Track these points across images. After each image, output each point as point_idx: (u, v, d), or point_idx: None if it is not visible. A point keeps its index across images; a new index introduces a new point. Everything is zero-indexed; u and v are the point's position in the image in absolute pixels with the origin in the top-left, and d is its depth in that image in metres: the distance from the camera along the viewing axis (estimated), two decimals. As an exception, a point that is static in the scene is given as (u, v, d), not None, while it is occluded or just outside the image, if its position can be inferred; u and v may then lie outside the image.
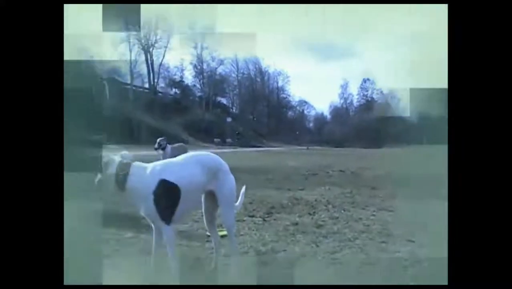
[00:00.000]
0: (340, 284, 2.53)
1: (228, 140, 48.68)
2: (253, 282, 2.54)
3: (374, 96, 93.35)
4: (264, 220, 4.41)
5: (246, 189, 2.81)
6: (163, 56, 51.87)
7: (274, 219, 4.48)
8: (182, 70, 56.51)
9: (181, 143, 8.47)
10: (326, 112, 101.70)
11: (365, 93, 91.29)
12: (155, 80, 50.61)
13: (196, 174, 2.58)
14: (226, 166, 2.70)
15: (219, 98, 69.92)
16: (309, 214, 4.84)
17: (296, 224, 4.22)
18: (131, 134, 35.17)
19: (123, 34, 46.42)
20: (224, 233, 3.60)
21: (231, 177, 2.68)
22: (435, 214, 2.57)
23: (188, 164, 2.64)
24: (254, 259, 3.01)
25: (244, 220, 4.33)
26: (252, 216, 4.56)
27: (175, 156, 7.44)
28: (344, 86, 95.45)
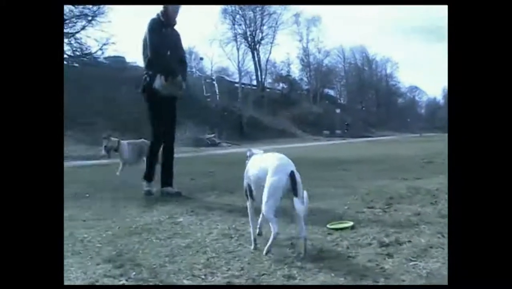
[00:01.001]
0: (340, 284, 2.41)
1: (338, 131, 48.22)
2: (380, 274, 2.50)
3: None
4: (384, 211, 4.31)
5: (308, 194, 2.91)
6: (270, 52, 52.52)
7: (395, 210, 4.36)
8: (289, 64, 56.85)
9: (141, 139, 7.82)
10: (439, 96, 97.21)
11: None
12: (263, 76, 51.35)
13: (255, 171, 3.13)
14: (273, 167, 2.95)
15: (326, 90, 69.44)
16: (431, 203, 4.65)
17: (419, 214, 4.07)
18: (241, 131, 35.97)
19: (230, 34, 47.67)
20: (345, 225, 3.59)
21: (275, 177, 2.90)
22: None
23: (257, 161, 3.22)
24: (379, 250, 2.95)
25: (363, 212, 4.27)
26: (371, 207, 4.48)
27: (135, 152, 7.19)
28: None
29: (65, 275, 2.66)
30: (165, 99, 5.93)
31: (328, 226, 3.61)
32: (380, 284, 2.36)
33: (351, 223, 3.63)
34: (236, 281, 2.47)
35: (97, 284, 2.50)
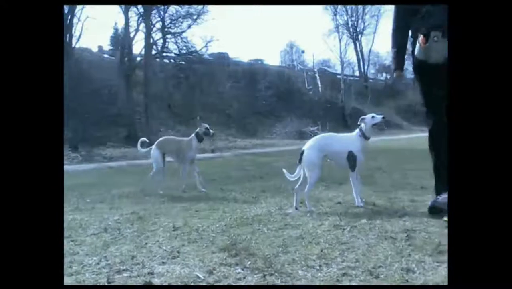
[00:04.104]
0: (340, 284, 2.27)
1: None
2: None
3: None
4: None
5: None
6: (372, 42, 51.28)
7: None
8: (393, 54, 54.86)
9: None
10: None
11: None
12: (365, 67, 50.24)
13: None
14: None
15: (433, 79, 66.41)
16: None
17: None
18: (345, 123, 35.55)
19: (332, 25, 47.15)
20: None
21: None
22: None
23: None
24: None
25: None
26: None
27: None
28: None
29: (182, 262, 2.77)
30: (432, 69, 3.77)
31: (445, 218, 3.44)
32: (383, 284, 2.26)
33: None
34: (352, 273, 2.42)
35: (214, 272, 2.56)
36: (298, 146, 7.72)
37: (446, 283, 2.22)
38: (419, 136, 19.75)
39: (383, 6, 46.88)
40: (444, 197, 3.62)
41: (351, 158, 4.40)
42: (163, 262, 2.80)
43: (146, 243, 3.28)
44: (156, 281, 2.47)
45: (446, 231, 3.13)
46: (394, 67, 4.29)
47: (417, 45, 3.83)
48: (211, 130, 6.32)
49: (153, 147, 6.04)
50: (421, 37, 3.77)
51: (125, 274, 2.61)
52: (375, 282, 2.30)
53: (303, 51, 50.02)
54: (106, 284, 2.48)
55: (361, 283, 2.29)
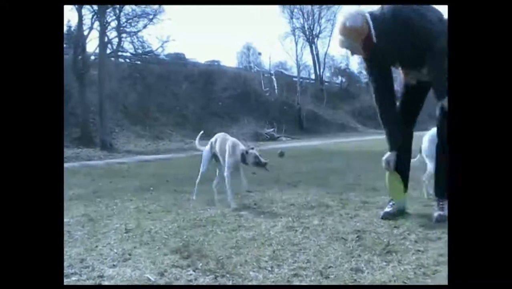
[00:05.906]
0: (340, 284, 2.33)
1: (399, 125, 47.01)
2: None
3: None
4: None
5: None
6: (328, 45, 51.76)
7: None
8: (347, 58, 55.53)
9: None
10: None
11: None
12: (321, 70, 50.76)
13: None
14: None
15: (387, 83, 67.72)
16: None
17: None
18: (301, 125, 35.89)
19: (288, 28, 47.49)
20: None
21: None
22: None
23: None
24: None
25: (431, 205, 4.13)
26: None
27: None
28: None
29: (133, 264, 2.74)
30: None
31: None
32: (382, 284, 2.31)
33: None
34: (303, 273, 2.45)
35: (165, 274, 2.54)
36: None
37: (393, 283, 2.28)
38: (374, 139, 20.16)
39: (338, 11, 47.54)
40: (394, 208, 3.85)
41: None
42: (113, 265, 2.76)
43: (96, 246, 3.22)
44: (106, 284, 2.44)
45: (395, 231, 3.23)
46: (390, 147, 3.93)
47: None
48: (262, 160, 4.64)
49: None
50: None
51: (73, 278, 2.56)
52: (325, 282, 2.34)
53: (259, 53, 50.14)
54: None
55: (312, 284, 2.33)
